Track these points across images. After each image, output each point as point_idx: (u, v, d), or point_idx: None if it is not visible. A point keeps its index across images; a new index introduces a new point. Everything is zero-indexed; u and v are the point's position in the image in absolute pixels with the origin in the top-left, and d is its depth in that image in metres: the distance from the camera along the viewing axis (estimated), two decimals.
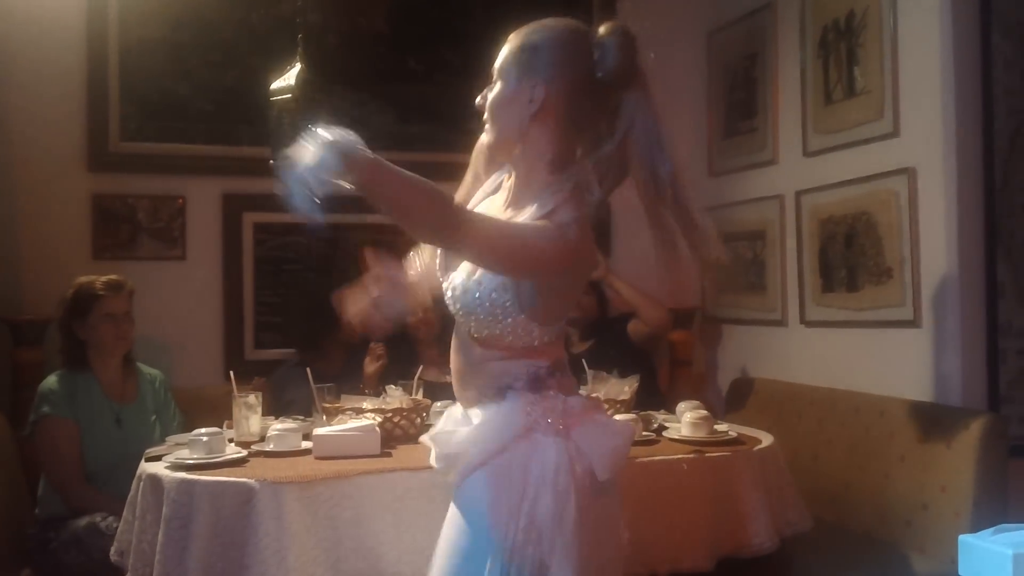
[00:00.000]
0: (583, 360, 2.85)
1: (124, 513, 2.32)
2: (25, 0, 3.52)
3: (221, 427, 2.41)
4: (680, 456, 2.38)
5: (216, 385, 3.40)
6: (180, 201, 3.74)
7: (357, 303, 1.71)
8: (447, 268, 1.59)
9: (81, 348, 2.95)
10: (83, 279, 2.98)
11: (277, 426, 2.48)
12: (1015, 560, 0.91)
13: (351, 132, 1.32)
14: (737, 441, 2.57)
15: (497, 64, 1.58)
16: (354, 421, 2.43)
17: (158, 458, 2.34)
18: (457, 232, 1.37)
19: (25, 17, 3.53)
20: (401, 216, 1.37)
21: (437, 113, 3.99)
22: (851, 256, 3.27)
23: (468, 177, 1.77)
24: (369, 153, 1.32)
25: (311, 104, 3.06)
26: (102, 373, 2.97)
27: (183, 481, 2.09)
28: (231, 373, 2.67)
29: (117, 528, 2.37)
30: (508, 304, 1.47)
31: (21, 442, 3.03)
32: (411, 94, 4.03)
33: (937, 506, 2.66)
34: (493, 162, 1.69)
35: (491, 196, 1.66)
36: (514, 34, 1.58)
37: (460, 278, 1.52)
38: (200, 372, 3.65)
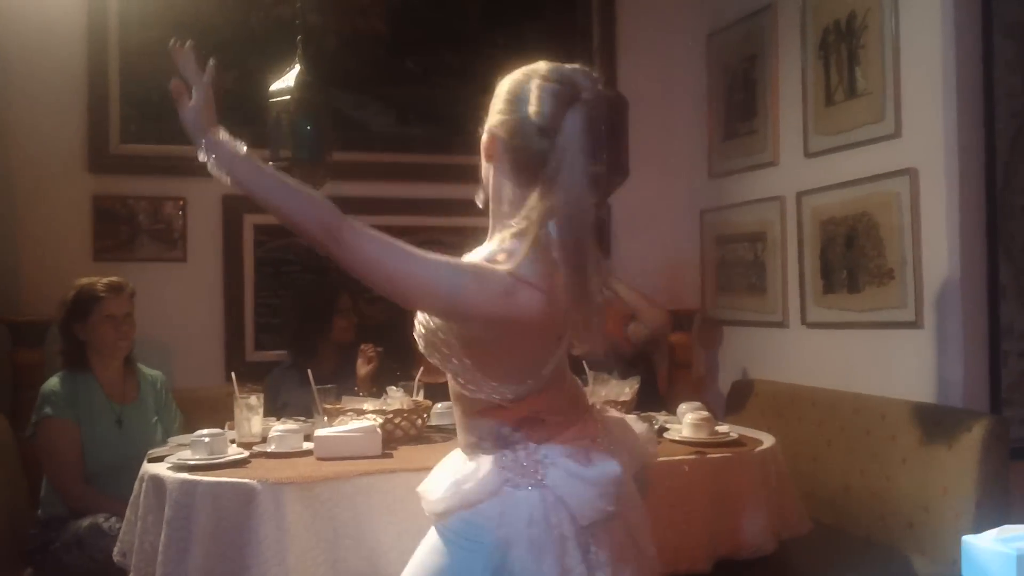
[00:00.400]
0: (583, 360, 2.83)
1: (127, 514, 2.32)
2: (26, 2, 3.53)
3: (222, 428, 2.41)
4: (681, 457, 2.38)
5: (217, 386, 3.40)
6: (180, 202, 3.74)
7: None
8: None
9: (82, 349, 2.95)
10: (84, 280, 2.98)
11: (279, 427, 2.49)
12: (1019, 561, 0.91)
13: (237, 140, 1.48)
14: (738, 442, 2.56)
15: None
16: (355, 422, 2.43)
17: (161, 459, 2.34)
18: (340, 246, 1.38)
19: (26, 19, 3.54)
20: (285, 221, 1.43)
21: (436, 115, 4.00)
22: (852, 257, 3.27)
23: None
24: (247, 158, 1.48)
25: (310, 106, 3.06)
26: (103, 374, 2.97)
27: (185, 482, 2.09)
28: (233, 374, 2.67)
29: (120, 528, 2.37)
30: (453, 343, 1.47)
31: (22, 443, 3.03)
32: (410, 96, 4.04)
33: (938, 508, 2.66)
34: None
35: None
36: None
37: (423, 314, 1.53)
38: (201, 373, 3.65)
